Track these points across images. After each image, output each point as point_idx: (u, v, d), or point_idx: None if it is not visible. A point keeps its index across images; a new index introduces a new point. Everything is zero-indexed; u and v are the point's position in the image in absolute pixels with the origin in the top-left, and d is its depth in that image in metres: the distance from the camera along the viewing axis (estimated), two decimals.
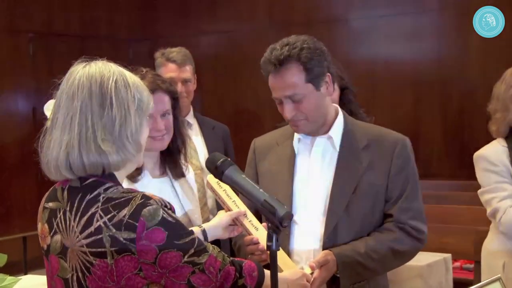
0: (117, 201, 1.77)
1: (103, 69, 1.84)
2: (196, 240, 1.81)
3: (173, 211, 1.83)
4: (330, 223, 2.40)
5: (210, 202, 3.48)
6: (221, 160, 1.86)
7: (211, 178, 2.29)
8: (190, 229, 1.86)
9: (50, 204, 1.89)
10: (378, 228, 2.45)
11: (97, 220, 1.76)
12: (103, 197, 1.78)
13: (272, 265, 1.75)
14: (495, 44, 7.69)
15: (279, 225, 1.71)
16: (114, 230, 1.74)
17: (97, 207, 1.77)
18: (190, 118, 3.69)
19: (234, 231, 2.46)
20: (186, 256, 1.78)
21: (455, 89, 7.57)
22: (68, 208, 1.82)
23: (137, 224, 1.73)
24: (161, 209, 1.76)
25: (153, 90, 2.42)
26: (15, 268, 6.60)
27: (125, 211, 1.75)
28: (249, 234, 2.26)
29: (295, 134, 2.55)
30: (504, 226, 3.10)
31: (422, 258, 3.64)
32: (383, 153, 2.46)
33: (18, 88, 8.52)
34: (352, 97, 3.49)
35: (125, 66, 2.12)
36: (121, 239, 1.73)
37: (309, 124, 2.43)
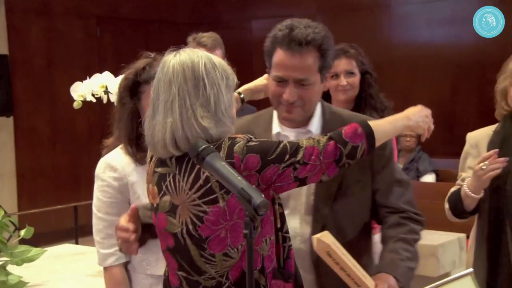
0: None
1: (191, 55, 1.91)
2: (288, 145, 1.86)
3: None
4: (318, 223, 2.16)
5: None
6: (203, 147, 1.76)
7: (324, 237, 1.87)
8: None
9: (160, 169, 1.96)
10: (388, 225, 2.21)
11: (203, 173, 1.84)
12: None
13: (249, 255, 1.64)
14: None
15: (255, 213, 1.61)
16: None
17: None
18: None
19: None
20: (283, 163, 1.85)
21: (493, 73, 7.46)
22: (177, 172, 1.90)
23: (233, 160, 1.81)
24: (246, 142, 1.85)
25: None
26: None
27: (221, 154, 1.82)
28: (358, 284, 1.92)
29: (274, 127, 2.28)
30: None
31: (436, 238, 3.62)
32: None
33: (87, 68, 8.64)
34: (372, 81, 3.35)
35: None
36: None
37: (302, 113, 2.16)
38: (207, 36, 3.69)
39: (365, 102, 3.33)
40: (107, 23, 9.08)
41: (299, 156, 1.86)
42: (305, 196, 2.21)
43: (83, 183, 8.70)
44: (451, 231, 3.77)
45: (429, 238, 3.60)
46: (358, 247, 2.16)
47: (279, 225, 1.95)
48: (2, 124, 7.95)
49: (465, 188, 2.69)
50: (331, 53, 2.16)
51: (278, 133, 2.26)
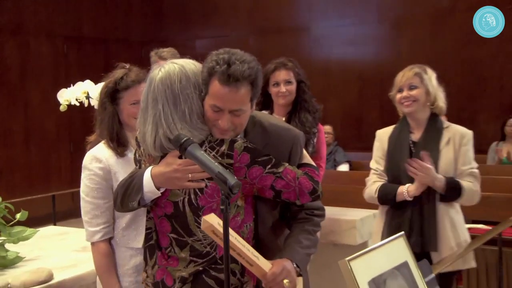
0: (215, 142, 1.91)
1: (170, 72, 1.93)
2: (273, 159, 1.93)
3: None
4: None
5: None
6: (184, 139, 1.80)
7: (210, 218, 1.78)
8: None
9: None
10: (297, 218, 2.12)
11: (208, 154, 1.87)
12: (207, 140, 1.92)
13: (225, 227, 1.64)
14: (422, 48, 7.81)
15: (230, 192, 1.64)
16: (220, 159, 1.87)
17: (205, 147, 1.90)
18: None
19: None
20: (266, 169, 1.91)
21: (389, 84, 7.77)
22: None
23: (233, 153, 1.89)
24: (243, 143, 1.92)
25: (139, 81, 2.39)
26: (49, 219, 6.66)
27: (224, 147, 1.89)
28: (251, 264, 1.85)
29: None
30: (365, 196, 3.12)
31: (357, 214, 3.68)
32: (280, 151, 2.04)
33: (55, 79, 8.50)
34: (306, 88, 3.40)
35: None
36: (225, 164, 1.88)
37: (233, 135, 1.99)
38: (167, 51, 3.64)
39: (300, 105, 3.36)
40: (72, 42, 8.94)
41: (280, 169, 1.93)
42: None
43: (53, 176, 8.57)
44: (361, 208, 3.84)
45: (350, 214, 3.67)
46: (276, 233, 2.13)
47: (254, 216, 2.01)
48: None
49: (405, 192, 2.89)
50: (260, 83, 1.99)
51: None
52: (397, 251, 1.61)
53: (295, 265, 1.94)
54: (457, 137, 2.94)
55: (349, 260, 1.45)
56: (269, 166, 1.92)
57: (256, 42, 8.66)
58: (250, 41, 8.64)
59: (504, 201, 4.84)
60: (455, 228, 2.94)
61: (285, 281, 1.85)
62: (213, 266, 1.95)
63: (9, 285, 2.51)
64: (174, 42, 9.25)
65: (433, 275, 1.73)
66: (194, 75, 1.94)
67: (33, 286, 2.51)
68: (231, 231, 1.74)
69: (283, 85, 3.33)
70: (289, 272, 1.89)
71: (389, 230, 2.95)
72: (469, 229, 5.04)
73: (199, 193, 1.91)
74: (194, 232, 1.95)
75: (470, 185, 2.88)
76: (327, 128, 7.02)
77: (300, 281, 1.94)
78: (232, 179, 1.65)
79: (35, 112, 8.39)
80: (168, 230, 2.00)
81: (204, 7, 9.56)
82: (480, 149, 7.24)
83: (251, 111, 2.02)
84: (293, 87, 3.36)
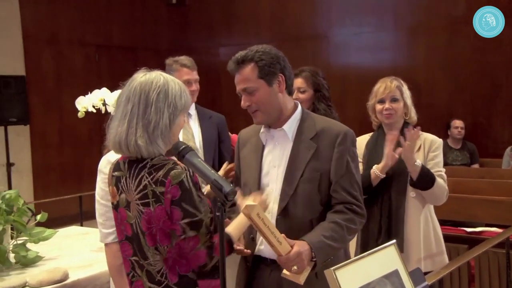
0: (156, 166, 1.80)
1: (154, 80, 1.84)
2: (198, 218, 1.76)
3: (197, 182, 1.79)
4: (282, 202, 2.10)
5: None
6: (183, 147, 1.75)
7: (251, 207, 1.78)
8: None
9: (116, 173, 1.92)
10: (332, 211, 2.11)
11: (144, 180, 1.80)
12: (149, 164, 1.81)
13: (221, 233, 1.62)
14: (438, 55, 7.67)
15: (225, 199, 1.60)
16: (154, 186, 1.77)
17: (145, 171, 1.81)
18: (191, 110, 3.35)
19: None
20: (184, 219, 1.76)
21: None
22: (128, 175, 1.86)
23: (166, 181, 1.76)
24: (184, 173, 1.76)
25: None
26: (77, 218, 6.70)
27: (161, 172, 1.77)
28: (272, 245, 1.87)
29: (262, 128, 2.23)
30: None
31: None
32: (328, 142, 2.12)
33: (87, 87, 8.56)
34: (321, 97, 3.31)
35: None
36: (157, 192, 1.77)
37: (263, 115, 2.12)
38: (187, 59, 3.55)
39: (316, 113, 3.27)
40: (104, 50, 9.02)
41: (189, 234, 1.77)
42: (279, 181, 2.14)
43: (85, 177, 8.64)
44: None
45: None
46: (309, 219, 2.08)
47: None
48: (20, 131, 7.82)
49: (375, 171, 2.84)
50: (269, 62, 2.07)
51: (262, 132, 2.22)
52: (387, 259, 1.54)
53: (312, 253, 1.92)
54: (427, 144, 2.94)
55: (334, 270, 1.39)
56: (187, 220, 1.76)
57: (278, 49, 8.60)
58: None
59: None
60: (427, 231, 2.89)
61: (294, 267, 1.87)
62: None
63: (26, 284, 2.52)
64: (199, 50, 9.28)
65: (426, 283, 1.65)
66: (173, 95, 1.85)
67: (49, 285, 2.53)
68: (265, 217, 1.78)
69: (297, 93, 3.28)
70: (302, 260, 1.88)
71: (361, 232, 2.91)
72: (483, 232, 4.98)
73: (139, 217, 1.85)
74: (147, 255, 1.87)
75: (442, 182, 2.85)
76: None
77: (307, 269, 1.91)
78: (227, 187, 1.62)
79: (69, 117, 8.41)
80: (130, 253, 1.93)
81: (227, 16, 9.57)
82: (495, 153, 7.10)
83: (271, 90, 2.08)
84: (305, 95, 3.30)
